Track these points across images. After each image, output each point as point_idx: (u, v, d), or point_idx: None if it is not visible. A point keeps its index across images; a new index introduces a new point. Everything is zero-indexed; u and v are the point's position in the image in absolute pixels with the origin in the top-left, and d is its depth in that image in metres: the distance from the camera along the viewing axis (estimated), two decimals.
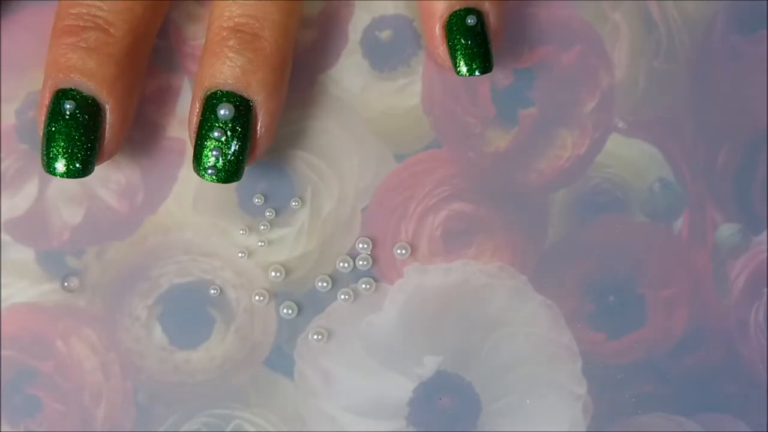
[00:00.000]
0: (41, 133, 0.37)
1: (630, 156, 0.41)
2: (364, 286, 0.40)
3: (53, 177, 0.40)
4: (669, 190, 0.41)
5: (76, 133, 0.36)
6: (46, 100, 0.37)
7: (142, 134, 0.40)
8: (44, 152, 0.37)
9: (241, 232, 0.40)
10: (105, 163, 0.40)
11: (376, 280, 0.40)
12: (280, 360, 0.40)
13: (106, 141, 0.37)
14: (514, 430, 0.40)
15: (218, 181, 0.37)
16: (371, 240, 0.41)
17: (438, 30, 0.38)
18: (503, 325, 0.41)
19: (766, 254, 0.41)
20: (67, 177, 0.36)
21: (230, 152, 0.37)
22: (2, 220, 0.40)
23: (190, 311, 0.40)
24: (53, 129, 0.36)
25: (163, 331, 0.40)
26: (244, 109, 0.37)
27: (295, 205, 0.40)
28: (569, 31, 0.41)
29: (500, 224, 0.41)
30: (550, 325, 0.41)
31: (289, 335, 0.40)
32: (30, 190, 0.40)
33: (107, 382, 0.40)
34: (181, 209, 0.40)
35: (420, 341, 0.40)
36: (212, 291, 0.40)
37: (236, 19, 0.37)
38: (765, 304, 0.41)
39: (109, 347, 0.40)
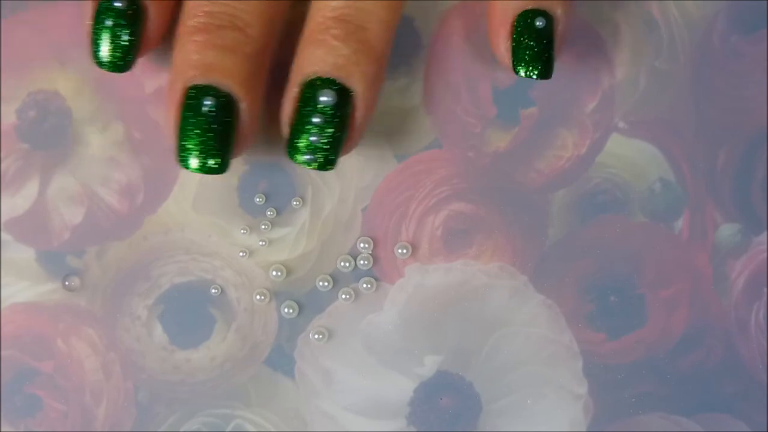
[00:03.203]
0: (173, 130, 0.36)
1: (630, 156, 0.41)
2: (364, 285, 0.40)
3: (53, 176, 0.40)
4: (669, 190, 0.41)
5: (213, 130, 0.36)
6: (178, 96, 0.36)
7: (143, 134, 0.40)
8: (180, 148, 0.36)
9: (242, 231, 0.40)
10: (105, 163, 0.40)
11: (376, 280, 0.40)
12: (281, 359, 0.40)
13: (241, 138, 0.37)
14: (515, 430, 0.40)
15: (314, 167, 0.37)
16: (372, 240, 0.41)
17: (505, 26, 0.38)
18: (504, 325, 0.41)
19: (766, 254, 0.41)
20: (204, 173, 0.36)
21: (328, 139, 0.37)
22: (2, 220, 0.40)
23: (191, 311, 0.40)
24: (189, 125, 0.36)
25: (164, 331, 0.40)
26: (344, 97, 0.37)
27: (295, 204, 0.40)
28: (569, 31, 0.41)
29: (500, 224, 0.41)
30: (550, 325, 0.41)
31: (289, 335, 0.40)
32: (30, 189, 0.40)
33: (108, 382, 0.40)
34: (181, 209, 0.40)
35: (420, 341, 0.40)
36: (213, 290, 0.40)
37: (342, 10, 0.37)
38: (765, 304, 0.41)
39: (110, 347, 0.40)
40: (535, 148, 0.41)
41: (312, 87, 0.36)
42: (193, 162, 0.36)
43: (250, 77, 0.37)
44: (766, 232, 0.41)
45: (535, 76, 0.38)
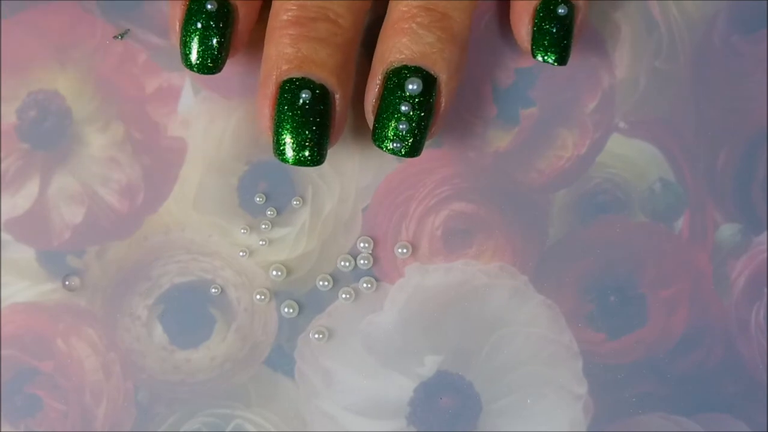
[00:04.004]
0: (269, 124, 0.37)
1: (631, 156, 0.41)
2: (364, 285, 0.40)
3: (53, 176, 0.40)
4: (669, 190, 0.41)
5: (310, 122, 0.37)
6: (272, 90, 0.37)
7: (143, 134, 0.40)
8: (277, 141, 0.37)
9: (242, 231, 0.40)
10: (105, 163, 0.40)
11: (377, 280, 0.40)
12: (281, 359, 0.40)
13: (335, 128, 0.37)
14: (515, 430, 0.40)
15: (402, 155, 0.37)
16: (372, 239, 0.41)
17: (528, 11, 0.38)
18: (504, 325, 0.41)
19: (766, 254, 0.41)
20: (303, 165, 0.37)
21: (416, 126, 0.37)
22: (3, 220, 0.40)
23: (191, 311, 0.40)
24: (286, 119, 0.37)
25: (164, 331, 0.40)
26: (430, 84, 0.37)
27: (296, 204, 0.40)
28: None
29: (501, 224, 0.41)
30: (550, 325, 0.41)
31: (289, 335, 0.40)
32: (30, 189, 0.40)
33: (108, 382, 0.40)
34: (181, 209, 0.40)
35: (420, 341, 0.40)
36: (213, 290, 0.40)
37: None
38: (765, 304, 0.41)
39: (110, 347, 0.40)
40: (535, 148, 0.41)
41: (398, 75, 0.37)
42: (290, 154, 0.37)
43: (342, 68, 0.37)
44: (766, 232, 0.41)
45: (552, 62, 0.38)
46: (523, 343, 0.41)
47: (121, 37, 0.40)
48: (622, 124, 0.41)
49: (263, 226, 0.40)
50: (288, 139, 0.37)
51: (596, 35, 0.41)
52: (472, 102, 0.41)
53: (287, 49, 0.37)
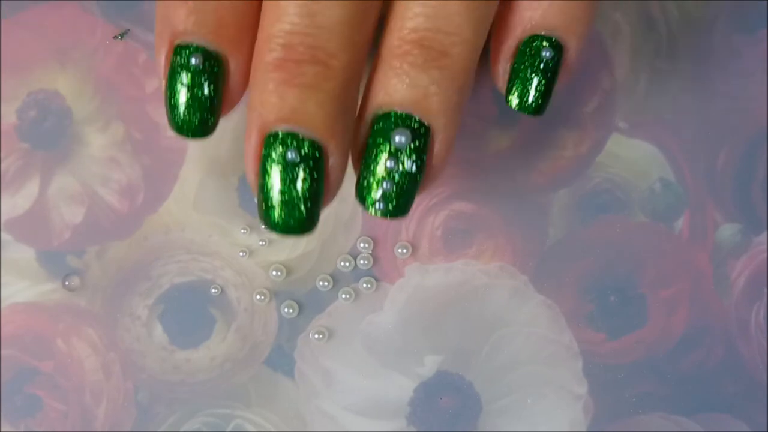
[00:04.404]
0: (253, 183, 0.32)
1: (631, 156, 0.41)
2: (364, 285, 0.40)
3: (53, 176, 0.40)
4: (670, 190, 0.41)
5: (297, 185, 0.31)
6: (255, 143, 0.32)
7: (143, 134, 0.40)
8: (261, 203, 0.32)
9: (242, 231, 0.40)
10: (105, 163, 0.40)
11: (377, 280, 0.40)
12: (281, 359, 0.40)
13: (329, 189, 0.32)
14: (515, 430, 0.40)
15: (385, 216, 0.32)
16: (372, 239, 0.41)
17: (509, 44, 0.34)
18: (504, 325, 0.41)
19: (766, 254, 0.41)
20: (291, 234, 0.32)
21: (402, 184, 0.32)
22: (3, 220, 0.40)
23: (191, 311, 0.40)
24: (273, 179, 0.31)
25: (164, 331, 0.40)
26: (421, 135, 0.32)
27: None
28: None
29: (501, 224, 0.41)
30: (550, 325, 0.41)
31: (289, 335, 0.40)
32: (30, 189, 0.40)
33: (108, 382, 0.40)
34: (181, 208, 0.40)
35: (420, 341, 0.40)
36: (213, 290, 0.40)
37: (422, 33, 0.31)
38: (765, 304, 0.41)
39: (110, 347, 0.40)
40: (535, 148, 0.41)
41: (386, 122, 0.32)
42: (277, 221, 0.32)
43: (336, 118, 0.31)
44: (766, 232, 0.41)
45: (527, 113, 0.34)
46: (523, 343, 0.41)
47: (121, 37, 0.40)
48: (622, 124, 0.41)
49: (263, 226, 0.40)
50: (274, 202, 0.32)
51: (596, 35, 0.41)
52: (472, 102, 0.41)
53: (271, 98, 0.31)
